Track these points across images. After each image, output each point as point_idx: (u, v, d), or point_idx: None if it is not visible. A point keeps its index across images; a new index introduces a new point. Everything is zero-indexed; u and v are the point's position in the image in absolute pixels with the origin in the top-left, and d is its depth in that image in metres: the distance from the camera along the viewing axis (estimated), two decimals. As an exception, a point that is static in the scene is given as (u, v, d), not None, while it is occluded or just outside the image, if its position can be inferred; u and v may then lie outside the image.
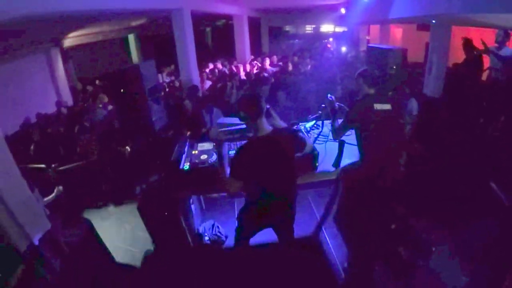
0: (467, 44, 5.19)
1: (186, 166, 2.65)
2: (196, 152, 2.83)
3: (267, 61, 9.57)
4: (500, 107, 4.49)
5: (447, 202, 3.61)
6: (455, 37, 8.31)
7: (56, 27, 6.55)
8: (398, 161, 2.73)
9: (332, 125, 2.86)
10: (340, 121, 2.80)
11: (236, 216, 2.46)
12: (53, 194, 3.45)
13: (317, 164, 2.64)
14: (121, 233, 4.10)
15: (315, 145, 2.84)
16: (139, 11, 5.70)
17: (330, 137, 3.19)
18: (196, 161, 2.69)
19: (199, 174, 2.46)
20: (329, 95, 2.99)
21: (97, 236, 3.32)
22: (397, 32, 11.35)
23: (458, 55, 6.78)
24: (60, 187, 3.44)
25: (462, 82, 6.04)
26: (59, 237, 2.88)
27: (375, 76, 2.70)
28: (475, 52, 5.00)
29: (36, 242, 2.65)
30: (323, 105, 3.12)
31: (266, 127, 2.12)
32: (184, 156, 2.78)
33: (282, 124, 2.40)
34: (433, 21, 5.47)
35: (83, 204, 4.91)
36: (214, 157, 2.70)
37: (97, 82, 9.59)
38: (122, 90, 2.52)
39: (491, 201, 3.23)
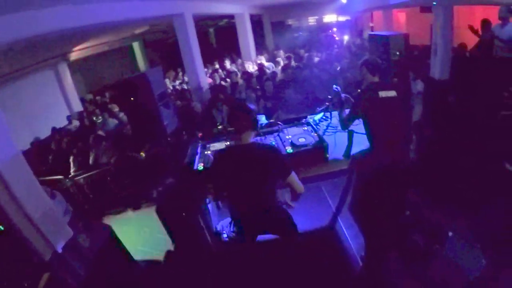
0: (485, 24, 5.11)
1: (200, 167, 2.72)
2: (209, 152, 2.89)
3: (263, 59, 9.61)
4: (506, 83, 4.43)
5: (461, 186, 3.58)
6: (459, 17, 8.23)
7: (62, 43, 6.72)
8: (407, 146, 2.73)
9: (339, 116, 2.86)
10: (347, 111, 2.80)
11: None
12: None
13: (327, 156, 2.67)
14: (141, 236, 4.19)
15: (324, 136, 2.85)
16: (141, 19, 5.78)
17: (339, 128, 3.21)
18: (209, 161, 2.76)
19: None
20: (334, 86, 3.01)
21: (118, 240, 3.39)
22: (400, 17, 11.18)
23: (463, 36, 6.73)
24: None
25: (473, 63, 5.96)
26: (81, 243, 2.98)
27: (378, 64, 2.69)
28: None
29: (60, 250, 2.75)
30: (330, 97, 3.14)
31: (249, 138, 2.16)
32: (197, 157, 2.86)
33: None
34: (434, 3, 5.41)
35: (102, 211, 5.05)
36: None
37: (106, 94, 9.76)
38: (132, 98, 2.60)
39: (507, 182, 3.20)
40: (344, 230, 3.31)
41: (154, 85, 2.59)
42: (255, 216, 2.27)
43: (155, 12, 5.31)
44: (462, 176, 3.68)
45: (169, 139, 3.40)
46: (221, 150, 2.31)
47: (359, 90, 2.79)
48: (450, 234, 3.08)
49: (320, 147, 2.62)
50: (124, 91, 2.65)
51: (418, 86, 5.24)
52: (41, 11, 3.07)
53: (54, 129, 7.49)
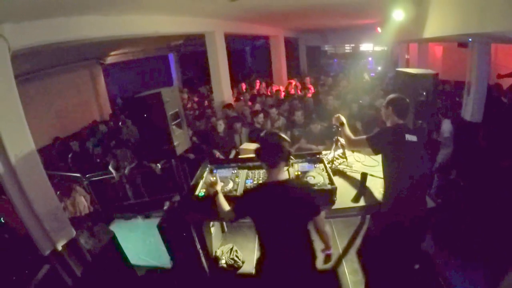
0: None
1: (202, 192, 2.66)
2: (214, 178, 2.82)
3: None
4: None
5: (483, 238, 3.33)
6: (497, 55, 7.86)
7: (96, 47, 7.01)
8: (425, 196, 2.55)
9: (344, 135, 2.81)
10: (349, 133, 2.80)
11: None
12: None
13: (335, 199, 2.52)
14: (146, 246, 4.21)
15: (335, 177, 2.71)
16: (173, 34, 5.94)
17: (355, 168, 3.07)
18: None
19: (212, 201, 2.45)
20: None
21: (119, 247, 3.43)
22: (437, 50, 10.89)
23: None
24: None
25: (507, 106, 5.63)
26: (82, 245, 3.02)
27: (407, 106, 2.50)
28: None
29: (59, 248, 2.79)
30: (335, 125, 3.03)
31: (281, 175, 1.98)
32: (202, 182, 2.81)
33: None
34: (469, 39, 5.15)
35: (112, 214, 5.14)
36: (230, 185, 2.70)
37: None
38: (145, 115, 2.61)
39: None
40: (347, 275, 3.13)
41: (168, 104, 2.59)
42: (287, 261, 2.04)
43: (186, 29, 5.42)
44: (486, 227, 3.44)
45: (181, 157, 3.39)
46: (251, 190, 2.16)
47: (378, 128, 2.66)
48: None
49: (328, 189, 2.48)
50: (137, 107, 2.67)
51: (445, 124, 4.96)
52: (71, 19, 3.19)
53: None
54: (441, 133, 4.86)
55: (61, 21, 3.11)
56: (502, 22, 2.91)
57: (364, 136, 2.59)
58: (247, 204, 2.07)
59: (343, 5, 5.81)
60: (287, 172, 2.75)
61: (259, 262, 2.15)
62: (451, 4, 4.03)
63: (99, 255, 3.13)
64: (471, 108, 5.48)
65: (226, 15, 5.85)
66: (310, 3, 5.31)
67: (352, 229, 3.60)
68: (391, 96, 2.59)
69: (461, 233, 3.53)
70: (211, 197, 2.41)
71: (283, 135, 2.01)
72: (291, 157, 2.07)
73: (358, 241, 3.44)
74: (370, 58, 14.72)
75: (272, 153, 1.94)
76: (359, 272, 3.05)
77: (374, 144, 2.48)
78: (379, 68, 12.35)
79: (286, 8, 5.74)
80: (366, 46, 15.16)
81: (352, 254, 3.33)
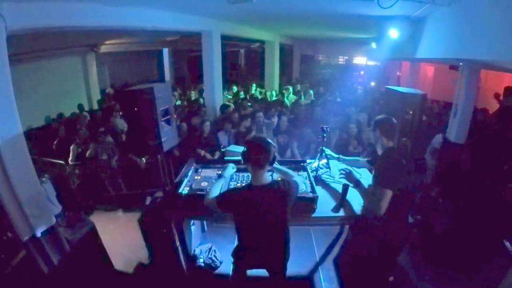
0: (507, 92, 4.94)
1: (185, 190, 2.67)
2: (199, 177, 2.85)
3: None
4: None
5: (459, 254, 3.43)
6: (487, 80, 8.09)
7: (92, 35, 6.93)
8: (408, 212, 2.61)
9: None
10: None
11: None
12: None
13: (315, 207, 2.57)
14: (124, 239, 4.18)
15: (316, 187, 2.73)
16: (171, 31, 5.94)
17: (337, 179, 3.10)
18: (196, 187, 2.71)
19: (196, 200, 2.46)
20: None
21: (97, 239, 3.43)
22: (429, 70, 11.12)
23: (488, 100, 6.58)
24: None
25: (491, 130, 5.79)
26: (61, 233, 3.00)
27: (395, 127, 2.40)
28: None
29: (38, 235, 2.76)
30: (320, 137, 3.04)
31: (264, 178, 2.06)
32: (186, 180, 2.81)
33: (290, 175, 2.36)
34: (460, 63, 5.31)
35: (93, 204, 5.07)
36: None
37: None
38: (135, 109, 2.61)
39: (506, 260, 3.04)
40: (323, 282, 3.18)
41: (159, 100, 2.60)
42: (264, 251, 2.20)
43: (185, 26, 5.44)
44: (459, 245, 3.54)
45: (167, 154, 3.39)
46: (237, 189, 2.21)
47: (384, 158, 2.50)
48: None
49: (309, 197, 2.53)
50: (128, 100, 2.67)
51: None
52: (70, 4, 3.17)
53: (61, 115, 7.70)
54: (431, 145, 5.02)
55: (61, 5, 3.10)
56: (492, 51, 3.04)
57: (381, 187, 2.29)
58: (231, 202, 2.10)
59: (338, 17, 5.91)
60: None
61: (237, 255, 2.31)
62: (445, 28, 4.17)
63: (77, 245, 3.12)
64: (456, 130, 5.61)
65: (224, 16, 5.88)
66: (307, 13, 5.39)
67: (330, 238, 3.66)
68: (377, 117, 2.53)
69: (437, 249, 3.63)
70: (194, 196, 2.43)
71: (270, 140, 2.08)
72: (276, 162, 2.16)
73: (335, 250, 3.50)
74: (362, 72, 14.94)
75: (258, 154, 2.00)
76: (334, 281, 3.11)
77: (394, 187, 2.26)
78: (372, 83, 12.53)
79: (283, 16, 5.80)
80: (359, 60, 15.36)
81: (329, 262, 3.39)
